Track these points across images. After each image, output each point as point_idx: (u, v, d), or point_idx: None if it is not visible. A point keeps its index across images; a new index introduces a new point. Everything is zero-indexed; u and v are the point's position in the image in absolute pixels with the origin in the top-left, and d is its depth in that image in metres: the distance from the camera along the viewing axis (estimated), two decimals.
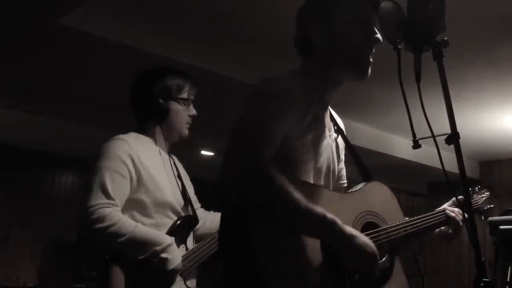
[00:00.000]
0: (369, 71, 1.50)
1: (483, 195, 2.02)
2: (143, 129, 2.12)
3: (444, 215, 1.76)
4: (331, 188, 1.57)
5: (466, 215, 1.70)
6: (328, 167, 1.56)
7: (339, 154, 1.66)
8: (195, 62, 3.59)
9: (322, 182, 1.53)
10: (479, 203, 2.00)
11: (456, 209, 1.77)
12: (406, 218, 1.66)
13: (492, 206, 2.05)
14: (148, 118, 2.12)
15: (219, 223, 2.12)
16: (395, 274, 1.55)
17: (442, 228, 1.78)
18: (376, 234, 1.51)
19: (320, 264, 1.35)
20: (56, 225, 6.72)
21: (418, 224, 1.66)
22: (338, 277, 1.38)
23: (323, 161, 1.52)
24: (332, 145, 1.59)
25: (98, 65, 3.72)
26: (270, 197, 1.29)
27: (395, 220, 1.59)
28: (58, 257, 6.66)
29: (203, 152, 6.19)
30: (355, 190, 1.59)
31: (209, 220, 2.22)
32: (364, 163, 1.69)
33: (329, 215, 1.32)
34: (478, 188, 2.04)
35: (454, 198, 1.78)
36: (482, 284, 1.19)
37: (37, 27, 3.11)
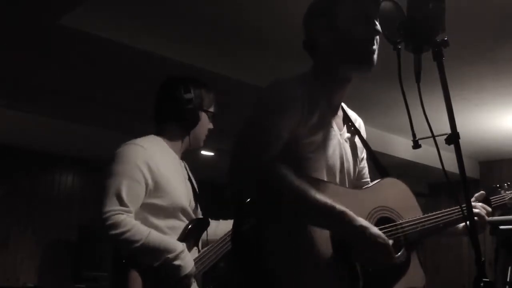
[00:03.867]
0: (374, 64, 1.53)
1: (511, 191, 2.02)
2: (167, 133, 2.14)
3: (465, 210, 1.76)
4: (347, 186, 1.58)
5: (488, 211, 1.75)
6: (342, 165, 1.58)
7: (356, 153, 1.68)
8: (195, 62, 3.59)
9: (337, 180, 1.55)
10: (505, 199, 1.99)
11: (479, 204, 1.76)
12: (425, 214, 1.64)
13: None
14: (174, 123, 2.14)
15: (221, 229, 2.18)
16: (412, 269, 1.54)
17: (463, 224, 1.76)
18: (392, 228, 1.51)
19: (333, 259, 1.36)
20: (56, 225, 6.72)
21: (436, 220, 1.64)
22: (351, 272, 1.39)
23: (335, 159, 1.55)
24: (344, 144, 1.61)
25: (98, 65, 3.72)
26: (279, 191, 1.32)
27: (411, 215, 1.58)
28: (58, 257, 6.67)
29: (203, 152, 6.19)
30: (369, 186, 1.60)
31: (212, 228, 2.24)
32: (380, 162, 1.70)
33: (339, 206, 1.33)
34: (508, 184, 2.04)
35: (476, 194, 1.79)
36: (482, 284, 1.19)
37: (37, 27, 3.11)
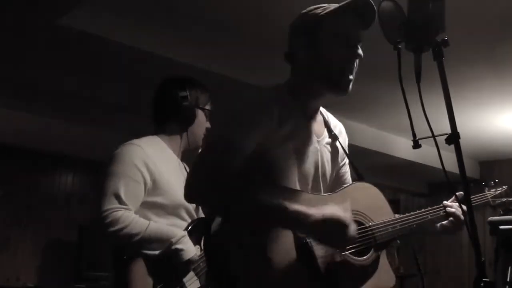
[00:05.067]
0: (350, 87, 1.53)
1: (497, 189, 2.01)
2: (166, 132, 2.16)
3: (442, 210, 1.77)
4: (322, 191, 1.60)
5: (465, 209, 1.73)
6: (317, 172, 1.59)
7: (337, 157, 1.68)
8: (195, 62, 3.59)
9: (309, 187, 1.56)
10: (488, 197, 1.98)
11: (456, 204, 1.77)
12: (396, 216, 1.66)
13: (510, 199, 2.02)
14: (172, 122, 2.15)
15: None
16: (381, 270, 1.56)
17: (444, 222, 1.77)
18: (362, 231, 1.53)
19: (297, 262, 1.38)
20: (56, 225, 6.72)
21: (408, 221, 1.66)
22: (317, 273, 1.40)
23: (309, 166, 1.56)
24: (322, 150, 1.61)
25: (98, 65, 3.72)
26: (230, 201, 1.35)
27: (382, 218, 1.60)
28: (59, 257, 6.66)
29: None
30: (339, 191, 1.61)
31: None
32: (355, 166, 1.71)
33: (288, 202, 1.33)
34: (494, 182, 2.02)
35: (456, 194, 1.79)
36: (482, 284, 1.19)
37: (37, 27, 3.11)
